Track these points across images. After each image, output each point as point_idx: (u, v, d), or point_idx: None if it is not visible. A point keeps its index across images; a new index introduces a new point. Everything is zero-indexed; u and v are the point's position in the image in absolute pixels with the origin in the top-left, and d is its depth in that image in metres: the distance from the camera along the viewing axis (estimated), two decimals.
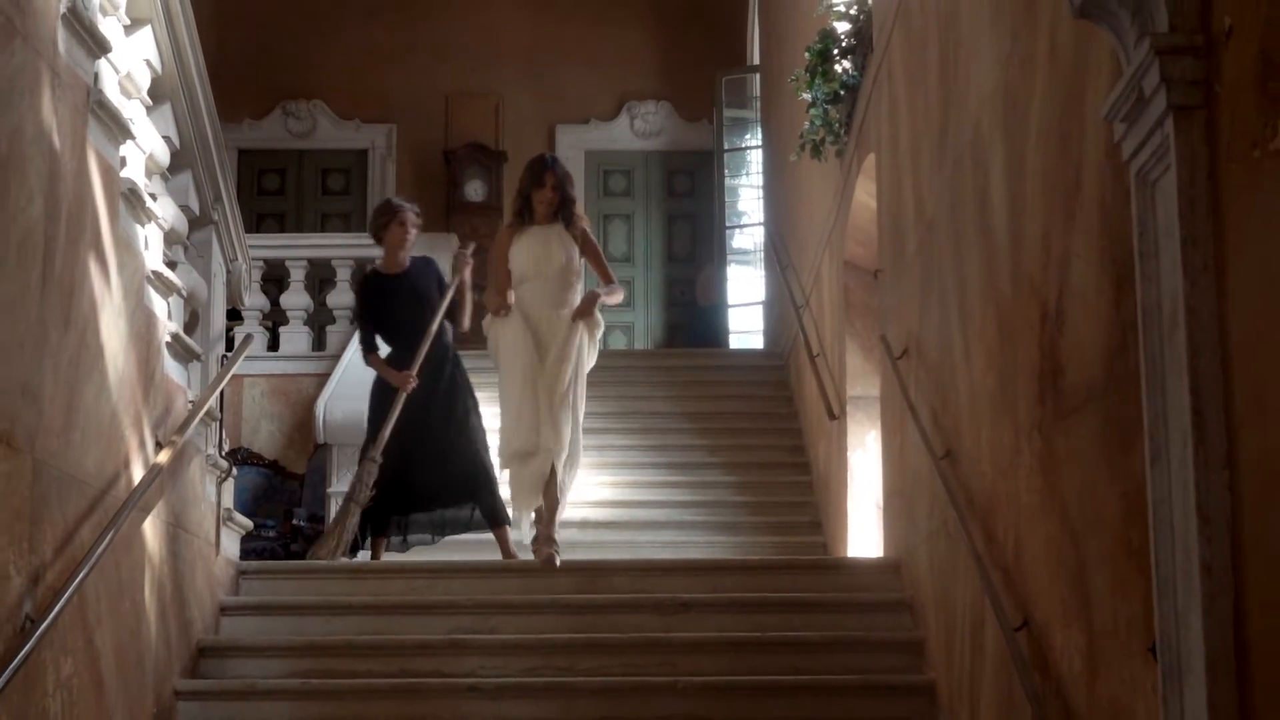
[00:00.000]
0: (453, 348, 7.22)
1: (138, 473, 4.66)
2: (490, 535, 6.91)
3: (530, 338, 6.49)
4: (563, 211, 6.60)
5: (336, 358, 8.93)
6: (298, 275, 9.89)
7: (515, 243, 6.61)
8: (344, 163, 14.19)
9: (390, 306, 7.08)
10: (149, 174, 5.08)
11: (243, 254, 6.30)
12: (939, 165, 5.00)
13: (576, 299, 6.57)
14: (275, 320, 9.85)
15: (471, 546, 7.21)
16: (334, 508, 7.99)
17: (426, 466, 6.88)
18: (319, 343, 9.73)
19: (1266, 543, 2.28)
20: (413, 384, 6.85)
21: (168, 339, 5.12)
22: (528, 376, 6.45)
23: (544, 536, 6.40)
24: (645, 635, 5.64)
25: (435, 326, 6.95)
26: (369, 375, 8.55)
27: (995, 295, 4.15)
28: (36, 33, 3.77)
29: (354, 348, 8.84)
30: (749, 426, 9.68)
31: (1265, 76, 2.24)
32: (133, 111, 4.76)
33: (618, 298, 6.92)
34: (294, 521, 8.66)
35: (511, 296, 6.60)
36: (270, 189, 14.09)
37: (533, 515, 6.57)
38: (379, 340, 7.11)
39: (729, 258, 13.06)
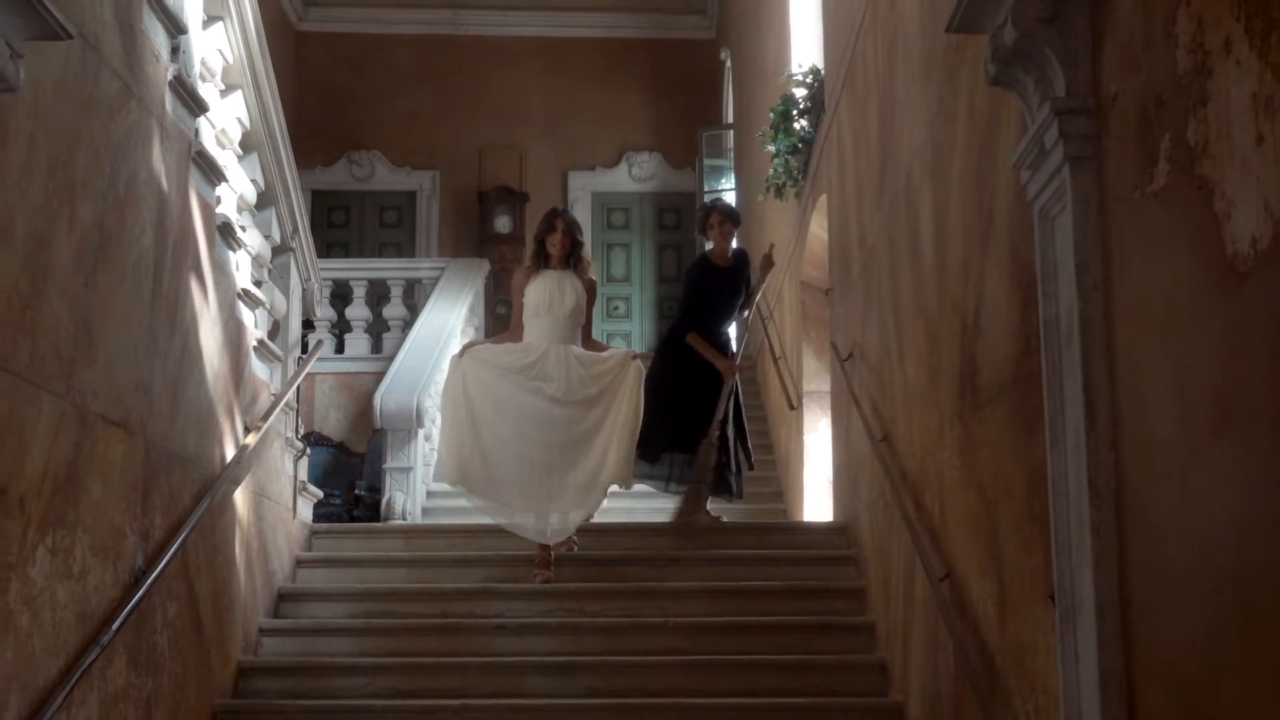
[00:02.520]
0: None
1: (230, 451, 4.65)
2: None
3: (517, 383, 5.71)
4: (572, 254, 5.98)
5: (391, 359, 8.88)
6: (359, 293, 9.89)
7: (531, 283, 5.95)
8: (397, 202, 14.15)
9: (714, 292, 6.54)
10: (239, 210, 5.07)
11: (315, 275, 6.28)
12: (878, 204, 4.99)
13: (579, 339, 5.94)
14: (341, 329, 9.84)
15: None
16: (389, 482, 7.93)
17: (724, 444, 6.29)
18: (377, 347, 9.70)
19: (1144, 511, 2.27)
20: (737, 373, 6.29)
21: (254, 344, 5.11)
22: (528, 418, 5.67)
23: (542, 559, 5.64)
24: (641, 584, 5.63)
25: (748, 319, 6.38)
26: (418, 371, 8.41)
27: (924, 309, 4.13)
28: (148, 95, 3.76)
29: (406, 349, 8.78)
30: None
31: (1144, 133, 2.23)
32: (226, 160, 4.75)
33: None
34: (356, 491, 8.62)
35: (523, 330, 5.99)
36: (337, 223, 14.05)
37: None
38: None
39: None
